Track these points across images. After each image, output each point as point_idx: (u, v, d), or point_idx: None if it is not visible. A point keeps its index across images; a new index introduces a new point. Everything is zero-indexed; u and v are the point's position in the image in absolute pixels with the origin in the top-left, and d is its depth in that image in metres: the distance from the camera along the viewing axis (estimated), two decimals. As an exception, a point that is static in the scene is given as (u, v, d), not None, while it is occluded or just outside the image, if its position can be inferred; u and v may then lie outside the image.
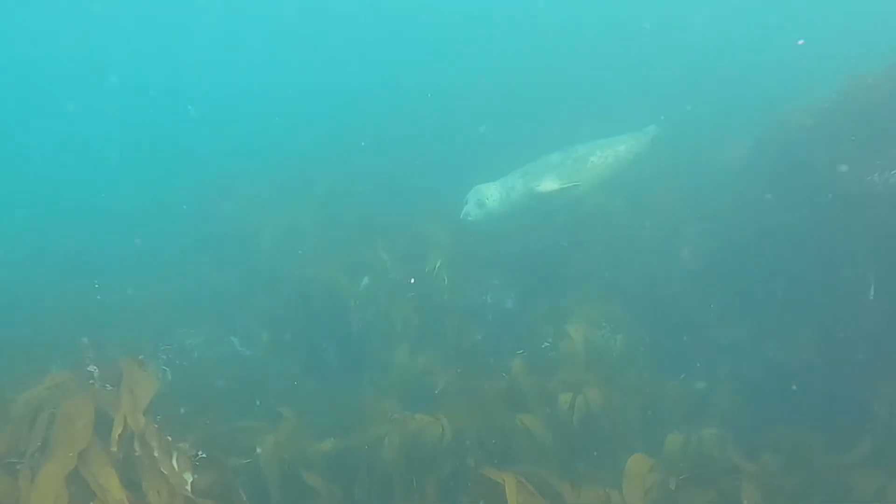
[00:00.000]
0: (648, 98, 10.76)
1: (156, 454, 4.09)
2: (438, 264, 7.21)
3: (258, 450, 4.85)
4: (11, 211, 12.79)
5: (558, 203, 7.85)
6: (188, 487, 4.07)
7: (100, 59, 26.76)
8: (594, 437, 5.11)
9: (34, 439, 3.81)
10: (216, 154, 14.56)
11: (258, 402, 5.58)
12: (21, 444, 3.81)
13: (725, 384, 5.67)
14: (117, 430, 3.98)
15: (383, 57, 20.48)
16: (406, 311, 6.52)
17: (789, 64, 11.07)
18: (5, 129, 20.39)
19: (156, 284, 8.48)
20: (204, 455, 4.24)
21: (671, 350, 6.04)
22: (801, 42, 11.48)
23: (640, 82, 12.08)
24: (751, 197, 6.59)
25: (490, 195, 7.87)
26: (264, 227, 8.71)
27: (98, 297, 8.14)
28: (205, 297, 8.02)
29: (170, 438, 4.25)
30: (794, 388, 5.32)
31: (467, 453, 4.78)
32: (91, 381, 4.16)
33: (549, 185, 7.83)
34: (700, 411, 5.41)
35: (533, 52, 15.40)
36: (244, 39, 28.07)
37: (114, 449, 3.87)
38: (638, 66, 13.17)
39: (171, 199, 11.12)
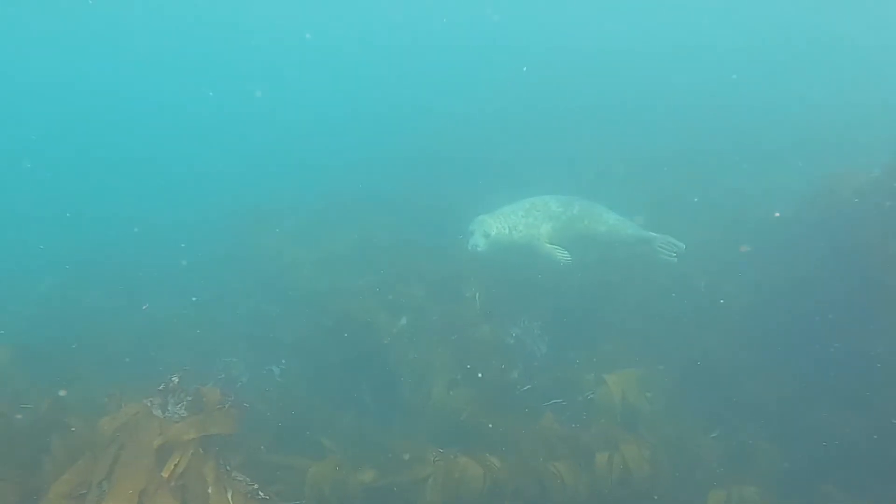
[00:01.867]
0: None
1: (210, 490, 4.14)
2: (478, 297, 7.30)
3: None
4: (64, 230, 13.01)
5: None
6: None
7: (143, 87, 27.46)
8: (632, 493, 5.06)
9: (98, 472, 3.88)
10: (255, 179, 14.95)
11: (305, 433, 5.60)
12: (89, 475, 3.89)
13: (766, 441, 5.62)
14: (174, 463, 4.05)
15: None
16: (442, 349, 6.51)
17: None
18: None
19: (197, 311, 8.57)
20: (265, 497, 4.27)
21: (708, 406, 6.00)
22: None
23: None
24: (796, 252, 6.64)
25: (493, 228, 7.93)
26: (302, 260, 8.82)
27: (145, 321, 8.35)
28: (245, 327, 8.05)
29: (229, 469, 4.31)
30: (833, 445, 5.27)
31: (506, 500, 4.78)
32: (163, 412, 4.22)
33: (544, 238, 7.94)
34: (741, 469, 5.35)
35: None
36: (282, 70, 28.67)
37: (171, 482, 3.94)
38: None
39: (211, 229, 11.27)
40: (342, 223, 10.12)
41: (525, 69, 17.01)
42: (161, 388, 4.68)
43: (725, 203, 9.57)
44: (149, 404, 4.55)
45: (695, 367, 6.30)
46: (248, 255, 9.77)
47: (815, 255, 6.58)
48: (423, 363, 6.49)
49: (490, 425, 5.64)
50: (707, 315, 6.90)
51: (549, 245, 7.91)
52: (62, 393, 5.26)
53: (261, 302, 8.62)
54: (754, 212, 8.60)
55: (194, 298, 8.71)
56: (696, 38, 20.87)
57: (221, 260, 10.11)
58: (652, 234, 7.77)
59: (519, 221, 8.04)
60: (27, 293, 10.06)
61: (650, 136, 12.84)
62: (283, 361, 7.15)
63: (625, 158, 11.36)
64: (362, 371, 6.77)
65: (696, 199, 9.46)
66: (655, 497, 4.94)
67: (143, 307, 8.18)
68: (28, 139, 21.92)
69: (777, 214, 7.78)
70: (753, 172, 10.74)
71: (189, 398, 4.77)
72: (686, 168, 11.13)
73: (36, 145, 21.27)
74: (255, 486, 4.38)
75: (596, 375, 6.05)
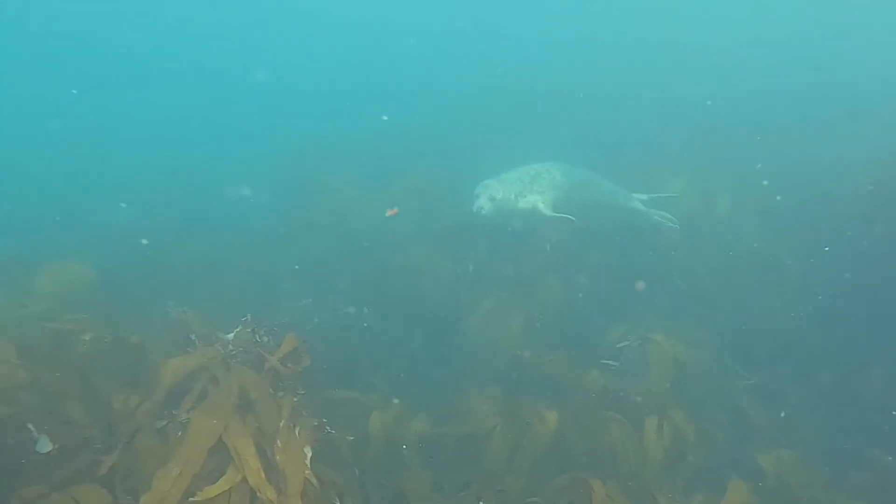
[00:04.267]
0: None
1: (281, 424, 4.37)
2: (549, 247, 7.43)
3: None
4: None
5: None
6: (307, 462, 4.31)
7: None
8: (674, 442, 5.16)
9: (186, 406, 4.16)
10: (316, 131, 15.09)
11: (372, 377, 5.83)
12: (167, 409, 4.20)
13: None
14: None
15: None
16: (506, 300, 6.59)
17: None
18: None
19: (268, 254, 8.83)
20: (331, 430, 4.52)
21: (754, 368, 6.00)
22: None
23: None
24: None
25: (499, 192, 7.87)
26: (367, 207, 8.95)
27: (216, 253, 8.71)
28: (312, 270, 8.26)
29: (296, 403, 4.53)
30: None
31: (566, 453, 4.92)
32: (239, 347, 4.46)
33: (549, 206, 7.90)
34: (787, 431, 5.40)
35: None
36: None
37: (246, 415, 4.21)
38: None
39: (280, 174, 11.47)
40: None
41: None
42: (239, 325, 4.98)
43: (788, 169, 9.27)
44: (227, 338, 4.88)
45: (744, 330, 6.27)
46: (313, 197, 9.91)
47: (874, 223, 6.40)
48: (488, 311, 6.61)
49: (551, 377, 5.74)
50: (760, 278, 6.79)
51: (551, 213, 7.86)
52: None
53: (329, 245, 8.73)
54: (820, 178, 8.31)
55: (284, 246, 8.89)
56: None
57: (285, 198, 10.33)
58: (648, 210, 7.81)
59: (525, 188, 8.03)
60: (107, 220, 10.45)
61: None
62: (344, 305, 7.36)
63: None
64: (428, 318, 6.92)
65: (758, 166, 9.14)
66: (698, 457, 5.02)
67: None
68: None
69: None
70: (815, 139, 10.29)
71: (264, 335, 5.08)
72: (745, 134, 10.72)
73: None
74: (324, 422, 4.63)
75: (644, 335, 6.08)
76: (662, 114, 11.95)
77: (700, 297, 6.84)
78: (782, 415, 5.58)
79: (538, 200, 7.95)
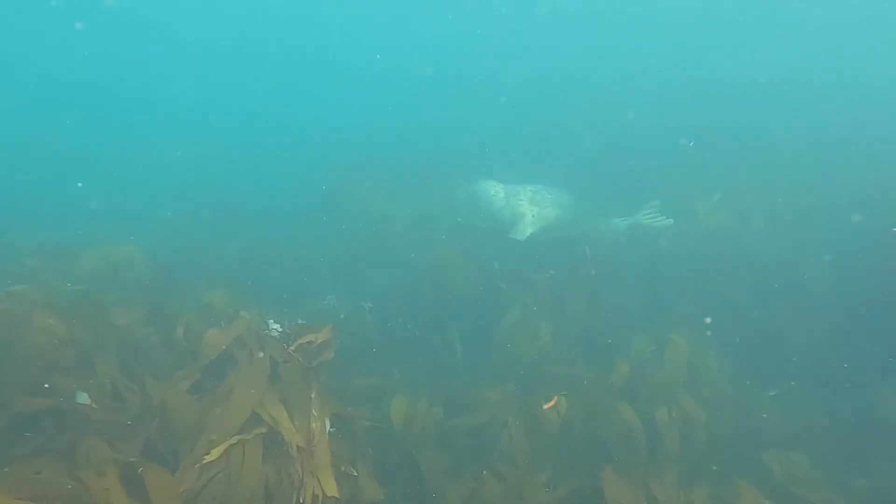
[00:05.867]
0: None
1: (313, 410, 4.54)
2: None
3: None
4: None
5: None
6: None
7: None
8: (689, 443, 5.18)
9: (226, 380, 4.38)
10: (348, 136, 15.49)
11: (394, 370, 5.99)
12: (208, 377, 4.43)
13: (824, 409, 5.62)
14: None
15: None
16: (530, 299, 6.71)
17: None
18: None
19: (297, 249, 9.13)
20: (350, 409, 4.70)
21: (772, 373, 6.01)
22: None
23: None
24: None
25: (490, 191, 8.07)
26: (392, 213, 9.20)
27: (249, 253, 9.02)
28: (340, 268, 8.52)
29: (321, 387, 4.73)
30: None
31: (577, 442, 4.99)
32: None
33: (544, 221, 7.93)
34: (795, 433, 5.39)
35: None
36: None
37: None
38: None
39: (310, 178, 11.82)
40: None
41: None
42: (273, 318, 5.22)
43: (812, 175, 9.25)
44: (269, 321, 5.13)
45: (763, 336, 6.28)
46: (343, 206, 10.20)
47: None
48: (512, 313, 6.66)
49: (573, 373, 5.78)
50: (782, 286, 6.79)
51: (529, 228, 7.90)
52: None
53: (357, 247, 9.00)
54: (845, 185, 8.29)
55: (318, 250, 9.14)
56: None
57: (319, 206, 10.65)
58: (636, 222, 7.81)
59: (524, 192, 8.11)
60: (151, 221, 10.92)
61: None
62: (371, 303, 7.55)
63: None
64: (451, 315, 7.01)
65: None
66: (711, 452, 5.05)
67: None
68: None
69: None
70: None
71: (298, 322, 5.30)
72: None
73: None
74: (350, 409, 4.81)
75: (662, 334, 6.12)
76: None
77: (722, 309, 6.82)
78: (772, 393, 5.57)
79: (534, 210, 8.00)
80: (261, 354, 4.47)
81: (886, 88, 13.49)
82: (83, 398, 3.86)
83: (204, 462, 3.73)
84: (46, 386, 3.84)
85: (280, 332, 5.05)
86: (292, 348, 4.69)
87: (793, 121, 12.11)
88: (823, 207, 7.90)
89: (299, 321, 6.32)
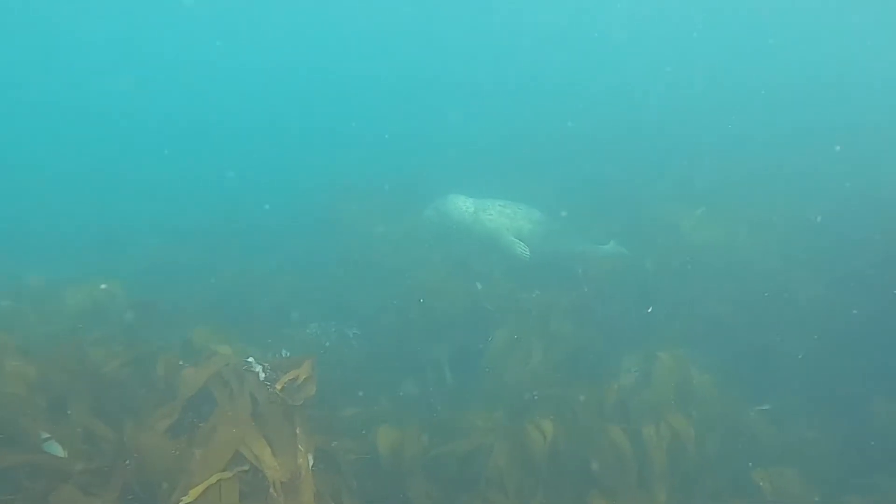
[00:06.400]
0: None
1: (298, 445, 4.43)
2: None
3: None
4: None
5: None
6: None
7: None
8: (678, 461, 5.10)
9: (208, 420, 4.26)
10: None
11: (379, 397, 5.90)
12: (187, 416, 4.32)
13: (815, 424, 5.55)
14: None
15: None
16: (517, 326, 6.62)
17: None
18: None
19: (281, 275, 9.07)
20: (334, 443, 4.61)
21: (760, 389, 5.94)
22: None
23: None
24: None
25: (461, 206, 7.91)
26: (385, 232, 9.14)
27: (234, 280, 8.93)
28: (326, 293, 8.45)
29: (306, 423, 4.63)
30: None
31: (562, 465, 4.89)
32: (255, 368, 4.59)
33: (516, 234, 7.80)
34: (786, 450, 5.32)
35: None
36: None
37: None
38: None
39: (300, 201, 11.79)
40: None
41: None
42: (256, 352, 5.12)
43: (799, 186, 9.28)
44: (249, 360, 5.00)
45: (750, 350, 6.22)
46: (333, 226, 10.16)
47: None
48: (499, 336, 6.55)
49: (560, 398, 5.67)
50: (768, 301, 6.75)
51: (512, 237, 7.77)
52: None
53: (344, 270, 8.94)
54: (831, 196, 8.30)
55: (301, 273, 9.07)
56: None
57: (309, 228, 10.60)
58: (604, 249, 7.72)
59: (493, 207, 7.99)
60: (136, 251, 10.83)
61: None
62: (356, 330, 7.47)
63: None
64: (437, 340, 6.89)
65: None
66: (700, 469, 4.97)
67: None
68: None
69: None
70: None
71: (283, 355, 5.20)
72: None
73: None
74: (334, 444, 4.72)
75: (648, 352, 6.05)
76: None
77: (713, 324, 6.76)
78: (764, 408, 5.55)
79: (505, 224, 7.87)
80: (243, 392, 4.37)
81: (872, 95, 13.64)
82: (55, 448, 3.75)
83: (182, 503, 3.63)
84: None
85: (262, 367, 4.94)
86: (277, 387, 4.58)
87: (776, 130, 12.19)
88: (809, 218, 7.89)
89: (284, 352, 6.26)
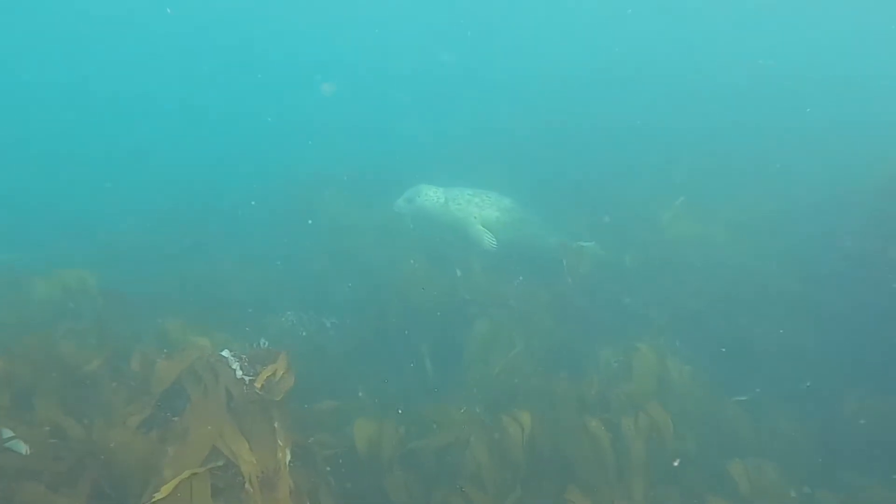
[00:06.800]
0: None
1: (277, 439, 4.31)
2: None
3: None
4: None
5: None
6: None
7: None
8: (656, 454, 5.08)
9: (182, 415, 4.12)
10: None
11: (355, 390, 5.80)
12: (160, 411, 4.18)
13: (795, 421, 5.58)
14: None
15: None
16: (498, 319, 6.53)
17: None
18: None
19: (257, 263, 8.90)
20: (310, 439, 4.50)
21: (739, 381, 5.96)
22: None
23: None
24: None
25: (431, 196, 7.86)
26: (363, 223, 8.99)
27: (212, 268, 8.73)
28: (304, 283, 8.29)
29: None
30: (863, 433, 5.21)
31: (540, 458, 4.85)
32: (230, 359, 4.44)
33: (483, 221, 7.75)
34: (763, 443, 5.35)
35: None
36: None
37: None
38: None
39: (277, 190, 11.54)
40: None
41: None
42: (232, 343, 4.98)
43: (775, 182, 9.34)
44: (224, 353, 4.84)
45: (729, 342, 6.23)
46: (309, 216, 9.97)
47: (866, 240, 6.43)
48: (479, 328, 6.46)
49: (540, 390, 5.60)
50: (747, 294, 6.78)
51: (480, 227, 7.73)
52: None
53: (324, 260, 8.76)
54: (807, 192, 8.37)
55: (278, 263, 8.90)
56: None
57: (284, 217, 10.39)
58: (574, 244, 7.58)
59: (462, 196, 7.93)
60: (111, 234, 10.53)
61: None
62: (335, 319, 7.33)
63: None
64: (416, 332, 6.76)
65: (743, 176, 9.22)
66: (678, 460, 4.96)
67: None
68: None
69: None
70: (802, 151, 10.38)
71: (253, 348, 5.05)
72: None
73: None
74: (311, 440, 4.61)
75: (628, 343, 6.03)
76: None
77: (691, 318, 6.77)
78: (741, 398, 5.56)
79: (472, 211, 7.79)
80: (218, 386, 4.24)
81: (855, 92, 13.78)
82: (18, 446, 3.58)
83: (153, 500, 3.50)
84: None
85: (239, 360, 4.80)
86: (257, 385, 4.43)
87: (755, 125, 12.25)
88: (785, 213, 7.94)
89: (262, 341, 6.09)
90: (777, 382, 5.88)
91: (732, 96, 13.85)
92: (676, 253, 7.48)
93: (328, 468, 4.58)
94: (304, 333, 6.75)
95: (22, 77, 24.45)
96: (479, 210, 7.92)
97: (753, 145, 11.16)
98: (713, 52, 18.41)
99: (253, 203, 10.99)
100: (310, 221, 9.31)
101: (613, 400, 5.36)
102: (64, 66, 26.23)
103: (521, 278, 7.20)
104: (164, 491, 3.57)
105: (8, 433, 3.60)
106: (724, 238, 7.72)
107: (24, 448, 3.59)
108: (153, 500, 3.50)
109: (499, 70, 21.20)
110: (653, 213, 8.24)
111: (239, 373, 4.29)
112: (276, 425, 4.24)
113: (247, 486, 3.81)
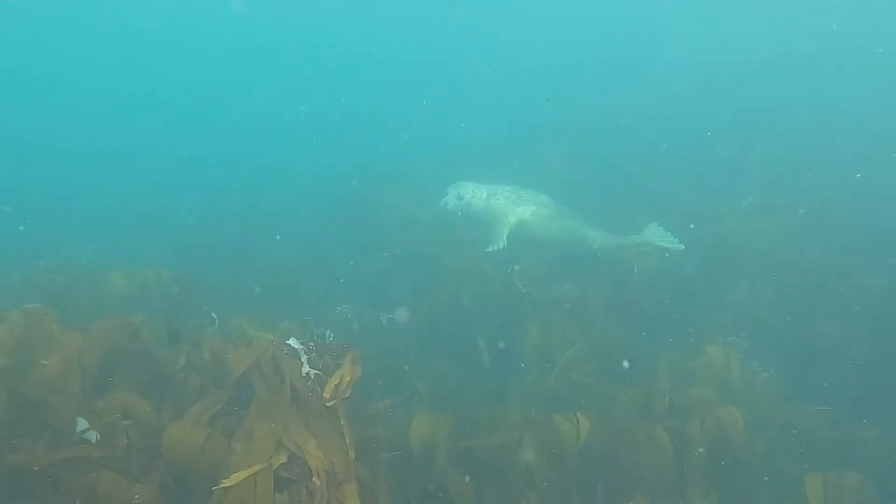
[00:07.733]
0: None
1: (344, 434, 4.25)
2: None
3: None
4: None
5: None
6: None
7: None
8: (726, 464, 4.83)
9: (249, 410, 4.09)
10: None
11: (412, 384, 5.72)
12: (229, 405, 4.16)
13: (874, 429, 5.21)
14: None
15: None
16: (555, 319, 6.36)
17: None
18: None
19: (317, 260, 8.94)
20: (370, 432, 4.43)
21: (816, 387, 5.61)
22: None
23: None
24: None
25: (468, 191, 7.83)
26: (419, 216, 8.93)
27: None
28: (359, 277, 8.25)
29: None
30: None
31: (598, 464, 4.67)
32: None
33: (519, 218, 7.73)
34: (843, 453, 5.00)
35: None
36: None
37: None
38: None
39: (336, 187, 11.59)
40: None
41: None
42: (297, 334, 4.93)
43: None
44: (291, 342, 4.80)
45: (806, 347, 5.88)
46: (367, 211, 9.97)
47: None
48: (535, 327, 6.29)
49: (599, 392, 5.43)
50: (825, 295, 6.38)
51: (505, 229, 7.65)
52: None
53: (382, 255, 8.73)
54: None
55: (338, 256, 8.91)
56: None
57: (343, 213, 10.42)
58: (640, 241, 7.27)
59: (501, 191, 7.93)
60: (175, 230, 10.80)
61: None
62: (391, 314, 7.26)
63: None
64: (473, 326, 6.68)
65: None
66: (749, 470, 4.70)
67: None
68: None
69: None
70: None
71: (317, 339, 5.00)
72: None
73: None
74: (370, 434, 4.53)
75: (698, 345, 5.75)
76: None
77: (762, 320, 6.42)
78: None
79: (510, 207, 7.80)
80: (284, 381, 4.20)
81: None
82: (88, 435, 3.63)
83: (222, 485, 3.49)
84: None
85: (307, 351, 4.73)
86: (325, 395, 4.32)
87: (807, 117, 11.64)
88: (864, 205, 7.44)
89: (328, 333, 5.99)
90: (858, 388, 5.50)
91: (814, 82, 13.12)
92: (746, 250, 7.11)
93: (385, 464, 4.51)
94: (356, 327, 6.73)
95: (117, 83, 25.35)
96: (515, 206, 7.88)
97: (826, 135, 10.53)
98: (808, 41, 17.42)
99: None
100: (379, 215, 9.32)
101: (679, 404, 5.10)
102: (149, 75, 27.12)
103: (569, 284, 6.97)
104: (234, 479, 3.56)
105: (83, 424, 3.65)
106: (797, 234, 7.30)
107: (94, 437, 3.64)
108: (221, 485, 3.51)
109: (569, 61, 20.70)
110: (721, 211, 7.89)
111: (306, 367, 4.21)
112: (342, 422, 4.19)
113: (314, 479, 3.77)
